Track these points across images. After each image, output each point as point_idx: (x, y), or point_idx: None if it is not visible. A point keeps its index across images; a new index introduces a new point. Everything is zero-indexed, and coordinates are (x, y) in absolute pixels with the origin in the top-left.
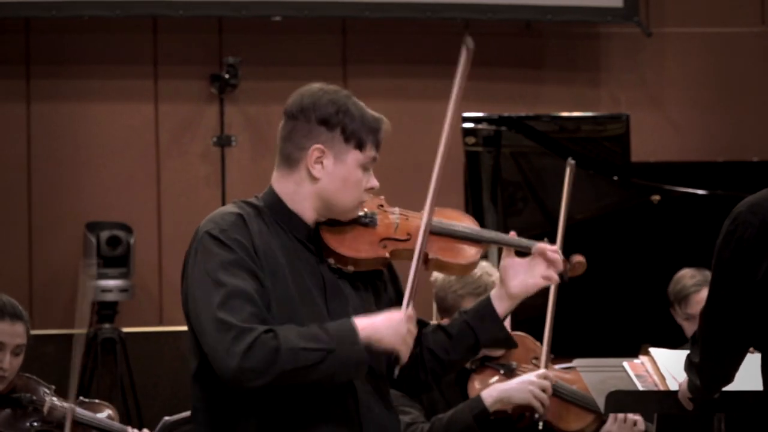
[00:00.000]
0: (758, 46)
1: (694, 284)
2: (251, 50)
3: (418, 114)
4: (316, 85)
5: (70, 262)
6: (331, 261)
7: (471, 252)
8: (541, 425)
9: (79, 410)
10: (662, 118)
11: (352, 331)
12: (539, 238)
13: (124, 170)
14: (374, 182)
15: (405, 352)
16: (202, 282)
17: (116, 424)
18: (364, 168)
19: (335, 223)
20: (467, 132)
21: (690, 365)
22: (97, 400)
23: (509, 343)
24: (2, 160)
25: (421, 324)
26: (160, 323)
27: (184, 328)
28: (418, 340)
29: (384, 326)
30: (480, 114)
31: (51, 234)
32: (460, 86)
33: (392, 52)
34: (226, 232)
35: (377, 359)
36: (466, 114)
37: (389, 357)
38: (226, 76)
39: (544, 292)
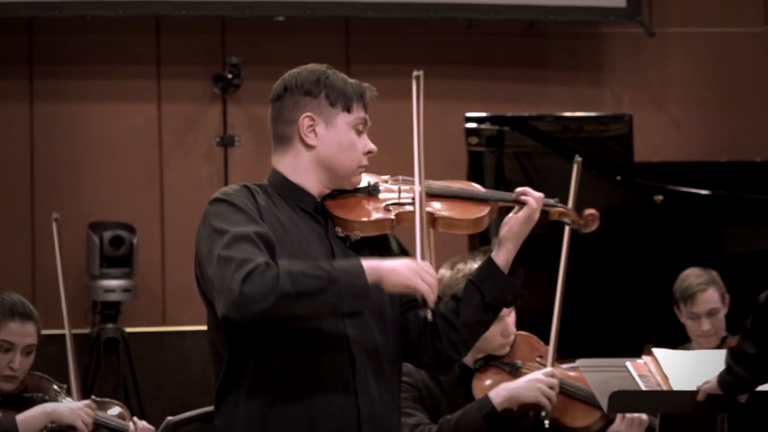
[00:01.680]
0: (761, 46)
1: (700, 283)
2: (254, 50)
3: (422, 113)
4: (294, 69)
5: (74, 263)
6: (338, 230)
7: (478, 208)
8: (547, 423)
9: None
10: (665, 118)
11: (357, 265)
12: (543, 238)
13: (126, 170)
14: (371, 146)
15: (426, 291)
16: (208, 238)
17: (125, 423)
18: (357, 130)
19: (340, 195)
20: (470, 132)
21: (737, 357)
22: (107, 399)
23: (514, 292)
24: (5, 160)
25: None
26: (163, 323)
27: (187, 327)
28: (433, 312)
29: (393, 264)
30: (483, 114)
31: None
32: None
33: (395, 52)
34: (231, 195)
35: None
36: (469, 114)
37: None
38: (229, 76)
39: (548, 290)
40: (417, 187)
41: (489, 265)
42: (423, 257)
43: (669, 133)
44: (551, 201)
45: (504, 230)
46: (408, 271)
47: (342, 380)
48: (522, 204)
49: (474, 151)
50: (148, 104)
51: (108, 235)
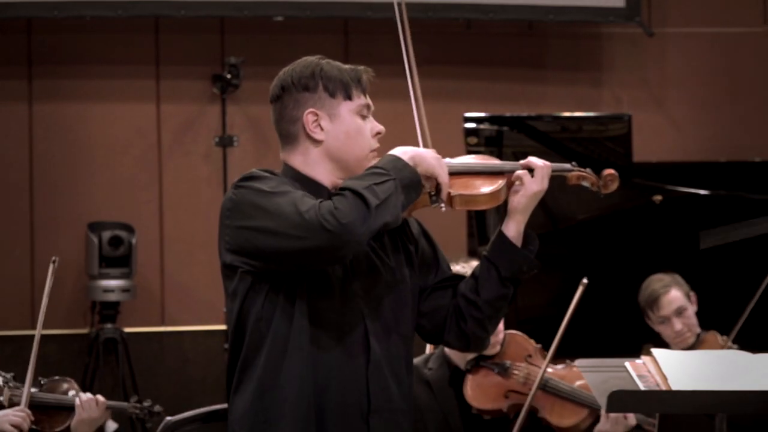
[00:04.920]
0: (760, 46)
1: (662, 286)
2: (253, 50)
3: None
4: (287, 66)
5: (73, 263)
6: None
7: (493, 181)
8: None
9: (35, 393)
10: (664, 118)
11: (398, 159)
12: (541, 238)
13: (126, 170)
14: (379, 127)
15: (446, 183)
16: (267, 200)
17: (67, 398)
18: (362, 116)
19: None
20: (469, 132)
21: None
22: (57, 377)
23: (528, 262)
24: (4, 160)
25: (459, 278)
26: (162, 323)
27: (186, 328)
28: (453, 293)
29: (419, 150)
30: (482, 114)
31: (53, 234)
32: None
33: (394, 53)
34: (264, 172)
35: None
36: (468, 114)
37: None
38: (228, 76)
39: (548, 290)
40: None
41: (500, 239)
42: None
43: (668, 133)
44: (567, 165)
45: (513, 202)
46: (433, 159)
47: (355, 371)
48: (531, 170)
49: (473, 151)
50: (147, 104)
51: (107, 235)
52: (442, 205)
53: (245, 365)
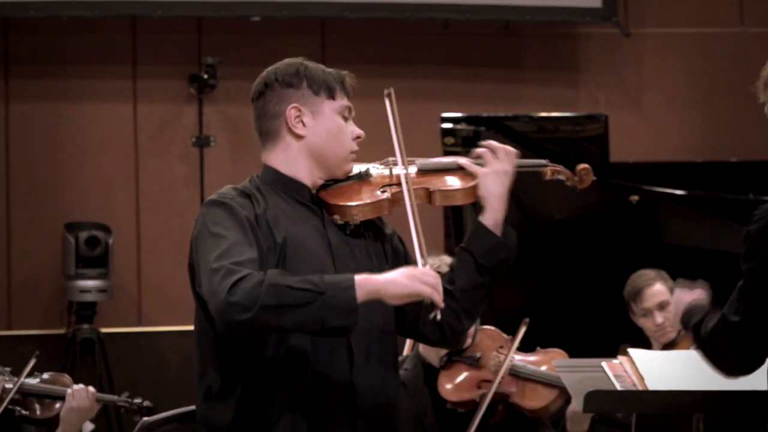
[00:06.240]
0: (736, 46)
1: (646, 279)
2: (230, 50)
3: (398, 114)
4: (270, 66)
5: (49, 263)
6: (337, 218)
7: (468, 177)
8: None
9: (27, 382)
10: (641, 118)
11: (349, 279)
12: (517, 239)
13: (102, 170)
14: (358, 130)
15: (430, 293)
16: (203, 239)
17: (57, 387)
18: (343, 116)
19: (333, 185)
20: (446, 132)
21: (721, 329)
22: (54, 373)
23: (505, 250)
24: None
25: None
26: (139, 324)
27: (163, 328)
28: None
29: (390, 275)
30: (459, 114)
31: (30, 234)
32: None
33: (371, 53)
34: (227, 197)
35: (385, 311)
36: (445, 114)
37: (404, 308)
38: (205, 76)
39: (525, 291)
40: (408, 204)
41: (477, 227)
42: (424, 262)
43: (645, 134)
44: (542, 161)
45: (480, 189)
46: (406, 279)
47: (340, 374)
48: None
49: (449, 152)
50: (123, 104)
51: (84, 235)
52: (438, 316)
53: (223, 383)
